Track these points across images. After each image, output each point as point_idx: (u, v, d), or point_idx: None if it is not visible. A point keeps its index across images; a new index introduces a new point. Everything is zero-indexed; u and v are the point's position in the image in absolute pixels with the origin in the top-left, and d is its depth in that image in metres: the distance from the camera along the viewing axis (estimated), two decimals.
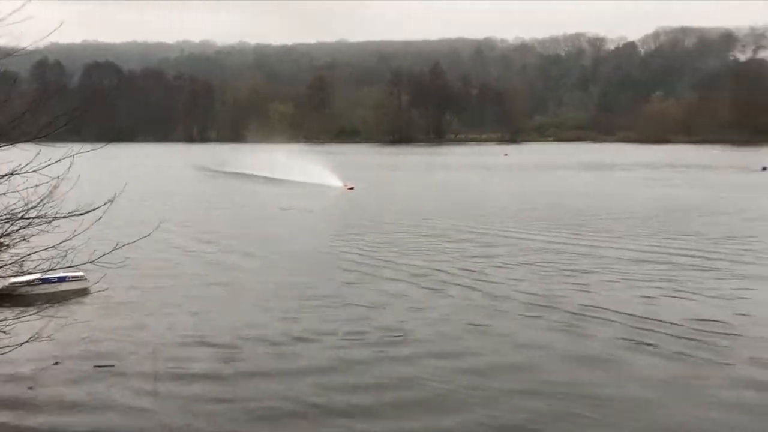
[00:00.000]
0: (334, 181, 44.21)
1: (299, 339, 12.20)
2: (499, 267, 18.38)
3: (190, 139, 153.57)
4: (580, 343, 11.77)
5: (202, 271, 18.29)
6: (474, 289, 15.81)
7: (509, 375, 10.48)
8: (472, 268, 18.13)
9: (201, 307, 14.45)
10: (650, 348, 11.57)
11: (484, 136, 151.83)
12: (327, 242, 22.74)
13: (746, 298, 15.08)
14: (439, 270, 17.94)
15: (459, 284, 16.29)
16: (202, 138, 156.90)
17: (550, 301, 14.50)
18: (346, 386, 10.04)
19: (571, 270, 17.94)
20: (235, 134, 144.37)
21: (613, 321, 13.05)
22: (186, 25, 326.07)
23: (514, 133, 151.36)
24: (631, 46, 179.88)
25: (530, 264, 18.82)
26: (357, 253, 20.57)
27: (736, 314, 13.65)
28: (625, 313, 13.54)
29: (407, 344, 11.85)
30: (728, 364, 10.82)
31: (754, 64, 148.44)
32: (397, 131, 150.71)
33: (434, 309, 14.10)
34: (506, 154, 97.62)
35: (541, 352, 11.37)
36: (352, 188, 41.70)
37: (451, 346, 11.68)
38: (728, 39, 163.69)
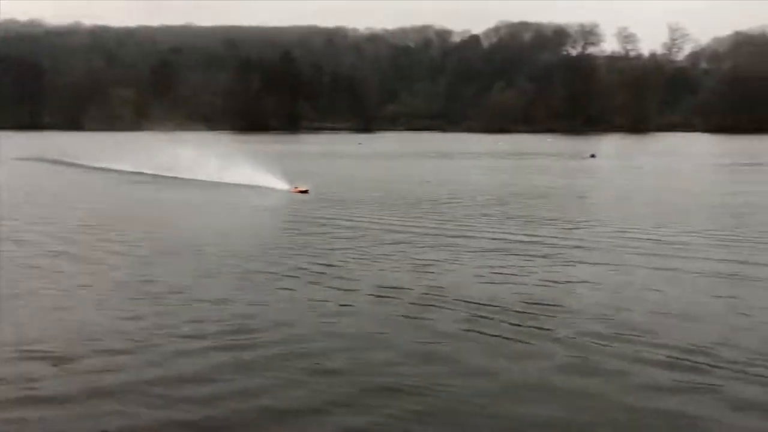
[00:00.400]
0: (273, 182, 36.12)
1: (138, 345, 11.39)
2: (353, 258, 18.36)
3: (20, 125, 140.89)
4: (427, 334, 11.97)
5: (28, 275, 16.66)
6: (325, 282, 15.64)
7: (357, 374, 10.41)
8: (326, 261, 17.96)
9: (26, 315, 13.12)
10: (490, 334, 12.02)
11: (338, 125, 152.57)
12: (192, 239, 21.63)
13: (578, 278, 16.09)
14: (292, 263, 17.59)
15: (311, 277, 16.05)
16: (34, 125, 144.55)
17: (400, 293, 14.66)
18: (186, 397, 9.47)
19: (420, 258, 18.32)
20: (71, 121, 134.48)
21: (457, 309, 13.43)
22: (10, 2, 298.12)
23: (367, 122, 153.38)
24: (475, 39, 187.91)
25: (381, 254, 18.99)
26: (219, 251, 19.69)
27: (569, 294, 14.53)
28: (469, 301, 13.99)
29: (255, 347, 11.39)
30: (559, 344, 11.44)
31: (584, 58, 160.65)
32: (249, 118, 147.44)
33: (283, 305, 13.76)
34: (360, 143, 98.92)
35: (388, 346, 11.42)
36: (305, 191, 33.70)
37: (298, 346, 11.38)
38: (561, 34, 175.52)
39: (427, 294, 14.47)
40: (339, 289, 14.96)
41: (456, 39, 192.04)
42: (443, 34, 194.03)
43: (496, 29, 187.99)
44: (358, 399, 9.36)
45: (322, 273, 16.44)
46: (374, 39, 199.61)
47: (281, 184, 35.53)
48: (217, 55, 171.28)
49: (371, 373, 10.24)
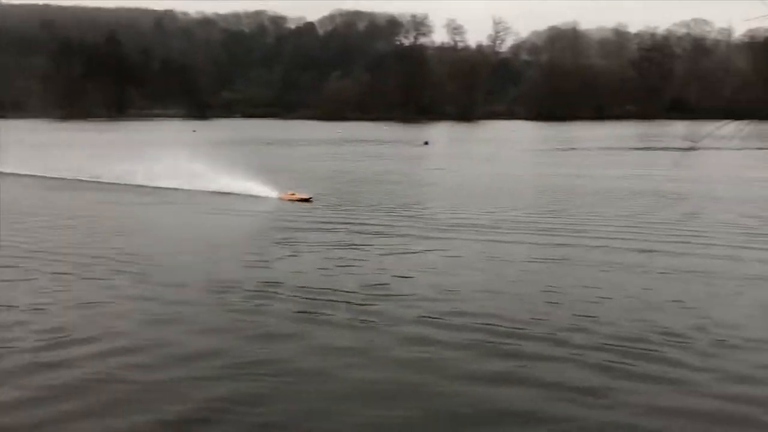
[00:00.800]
0: (255, 187, 29.74)
1: None
2: (184, 256, 17.59)
3: None
4: (264, 333, 11.72)
5: None
6: (154, 283, 14.82)
7: (194, 363, 10.05)
8: (154, 262, 17.03)
9: None
10: (329, 318, 12.10)
11: (170, 112, 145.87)
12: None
13: (412, 263, 16.59)
14: (116, 265, 16.48)
15: (136, 279, 15.12)
16: None
17: (235, 290, 14.22)
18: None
19: (255, 251, 17.94)
20: None
21: (294, 303, 13.33)
22: None
23: (201, 109, 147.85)
24: (310, 26, 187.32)
25: (215, 248, 18.38)
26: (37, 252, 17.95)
27: (404, 280, 14.94)
28: (306, 294, 13.92)
29: (73, 363, 10.48)
30: (395, 331, 11.73)
31: (415, 48, 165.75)
32: (70, 105, 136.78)
33: (106, 312, 12.82)
34: (194, 131, 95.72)
35: (225, 335, 11.10)
36: (307, 199, 27.85)
37: (123, 359, 10.58)
38: (394, 24, 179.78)
39: (262, 290, 14.06)
40: (168, 290, 14.10)
41: (291, 26, 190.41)
42: (278, 21, 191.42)
43: (331, 17, 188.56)
44: (194, 412, 8.73)
45: (149, 274, 15.41)
46: (206, 23, 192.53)
47: (268, 191, 29.31)
48: (32, 36, 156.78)
49: (206, 379, 9.65)
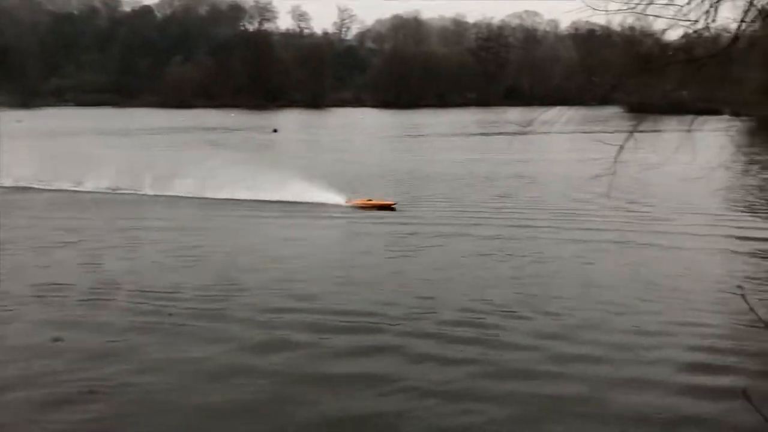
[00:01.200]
0: (308, 192, 25.19)
1: None
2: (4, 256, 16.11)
3: None
4: (94, 336, 10.99)
5: None
6: None
7: (30, 386, 9.20)
8: None
9: None
10: (170, 325, 11.58)
11: None
12: None
13: (256, 254, 16.35)
14: None
15: None
16: None
17: (60, 288, 13.25)
18: None
19: (90, 248, 16.83)
20: None
21: (130, 301, 12.67)
22: None
23: (26, 97, 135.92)
24: (147, 10, 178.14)
25: (42, 248, 17.01)
26: None
27: (248, 272, 14.68)
28: (143, 290, 13.23)
29: None
30: (243, 324, 11.53)
31: (260, 34, 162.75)
32: None
33: None
34: (20, 121, 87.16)
35: (51, 354, 10.26)
36: (390, 206, 23.24)
37: None
38: (237, 9, 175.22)
39: (95, 296, 13.06)
40: None
41: (126, 9, 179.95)
42: (111, 3, 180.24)
43: (169, 1, 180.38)
44: (39, 413, 8.26)
45: None
46: (30, 4, 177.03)
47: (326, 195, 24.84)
48: None
49: (38, 405, 8.77)
